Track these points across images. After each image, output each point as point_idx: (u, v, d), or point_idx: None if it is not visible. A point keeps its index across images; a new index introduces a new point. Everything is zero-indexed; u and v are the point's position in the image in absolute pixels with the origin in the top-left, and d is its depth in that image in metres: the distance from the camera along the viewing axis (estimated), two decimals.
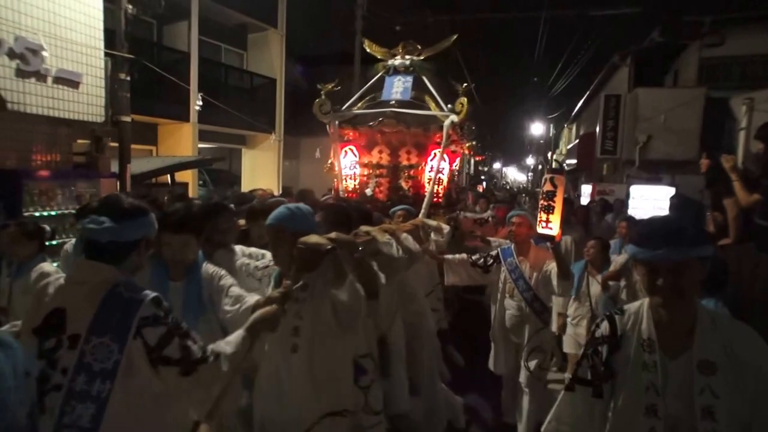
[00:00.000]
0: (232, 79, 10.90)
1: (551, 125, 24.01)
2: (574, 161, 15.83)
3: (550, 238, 2.65)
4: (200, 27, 9.49)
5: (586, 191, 11.65)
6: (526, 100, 25.72)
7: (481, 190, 12.36)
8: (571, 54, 15.71)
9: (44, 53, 4.19)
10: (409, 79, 4.01)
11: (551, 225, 2.64)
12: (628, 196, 9.48)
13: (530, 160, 35.38)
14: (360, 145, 4.07)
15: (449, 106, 3.74)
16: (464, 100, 3.66)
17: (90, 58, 4.81)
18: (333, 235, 1.62)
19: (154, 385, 1.17)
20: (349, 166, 4.12)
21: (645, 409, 1.15)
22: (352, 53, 10.54)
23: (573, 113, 18.22)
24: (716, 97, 9.20)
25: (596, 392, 1.22)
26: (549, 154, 23.74)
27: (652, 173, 10.07)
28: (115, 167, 5.50)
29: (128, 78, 5.17)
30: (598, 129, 11.45)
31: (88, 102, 4.87)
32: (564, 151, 20.51)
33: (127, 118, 5.30)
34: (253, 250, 2.27)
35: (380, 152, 4.05)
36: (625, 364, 1.20)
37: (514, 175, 45.71)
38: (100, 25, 4.88)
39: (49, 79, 4.43)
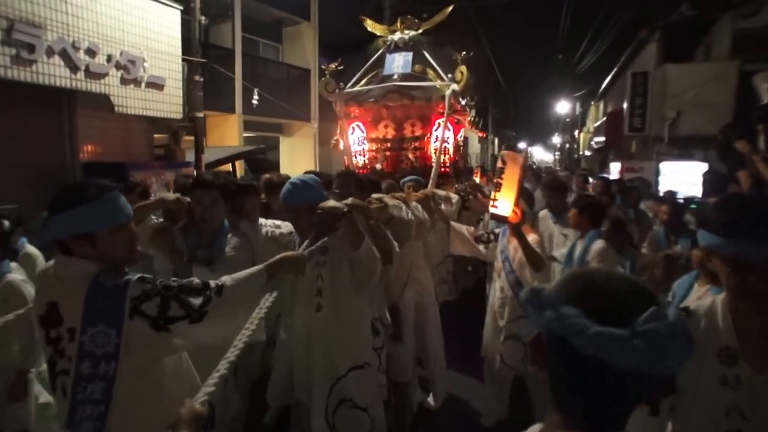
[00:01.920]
0: (270, 71, 11.66)
1: (578, 103, 23.85)
2: (602, 139, 15.96)
3: (502, 218, 2.50)
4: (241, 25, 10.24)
5: (614, 169, 11.94)
6: (552, 77, 25.56)
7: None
8: (597, 30, 15.65)
9: (145, 64, 5.02)
10: (409, 53, 4.11)
11: (498, 204, 2.51)
12: (657, 172, 9.72)
13: (557, 139, 35.07)
14: (366, 120, 4.14)
15: (449, 75, 3.82)
16: (463, 68, 3.70)
17: (171, 64, 5.64)
18: (349, 200, 1.71)
19: (160, 355, 1.24)
20: (357, 142, 4.21)
21: None
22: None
23: (600, 90, 18.17)
24: (750, 70, 8.79)
25: (653, 410, 0.96)
26: (576, 132, 23.67)
27: (682, 149, 10.20)
28: (190, 157, 6.38)
29: (201, 79, 5.96)
30: (625, 106, 11.66)
31: (170, 102, 5.72)
32: (591, 129, 20.48)
33: (201, 114, 6.12)
34: (271, 221, 2.34)
35: (386, 126, 4.13)
36: (694, 379, 1.00)
37: (540, 154, 45.26)
38: (179, 35, 5.69)
39: (143, 84, 5.29)
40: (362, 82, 4.20)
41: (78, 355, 1.13)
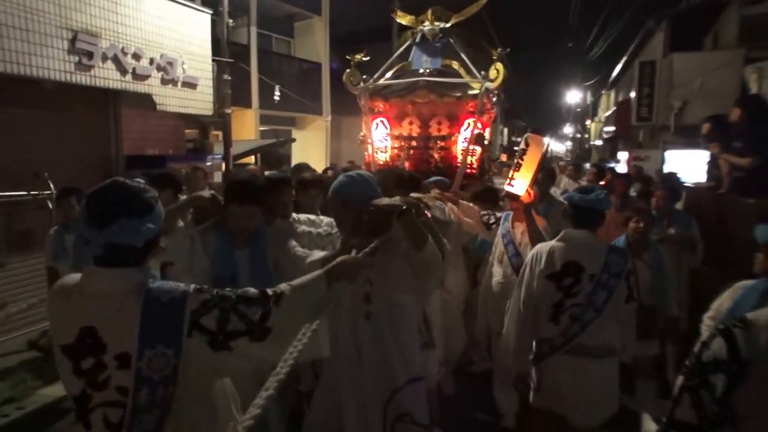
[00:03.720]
0: (282, 65, 12.28)
1: (589, 92, 24.16)
2: (612, 128, 16.37)
3: (514, 197, 2.59)
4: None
5: (623, 158, 12.44)
6: (562, 66, 25.86)
7: (505, 160, 13.24)
8: (607, 18, 15.98)
9: (184, 66, 5.66)
10: (439, 46, 3.96)
11: (514, 183, 2.58)
12: (663, 161, 10.21)
13: (568, 129, 35.28)
14: (390, 116, 3.99)
15: (482, 72, 3.66)
16: (499, 66, 3.55)
17: (202, 64, 6.29)
18: (397, 198, 1.62)
19: (214, 374, 1.15)
20: (380, 139, 4.06)
21: None
22: (390, 31, 11.69)
23: (611, 79, 18.53)
24: (756, 57, 9.07)
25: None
26: (587, 122, 23.99)
27: (687, 138, 10.62)
28: (217, 149, 7.04)
29: (229, 78, 6.61)
30: (633, 95, 12.09)
31: (202, 99, 6.38)
32: (602, 119, 20.84)
33: (229, 110, 6.77)
34: (304, 216, 2.33)
35: (411, 124, 3.96)
36: (759, 405, 0.86)
37: (551, 145, 45.34)
38: (209, 38, 6.34)
39: (179, 84, 5.94)
40: (387, 75, 4.05)
41: (136, 384, 1.02)
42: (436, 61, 3.92)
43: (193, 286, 1.09)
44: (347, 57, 3.94)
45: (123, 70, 5.16)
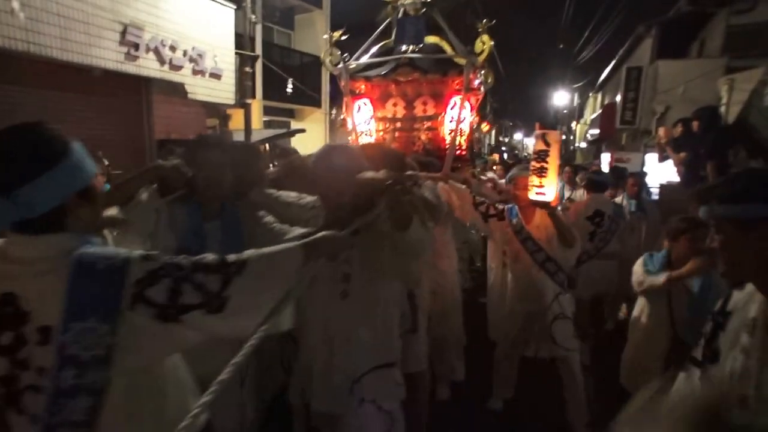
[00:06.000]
0: (283, 57, 12.70)
1: (575, 95, 25.20)
2: (597, 131, 17.33)
3: (545, 204, 2.46)
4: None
5: (605, 159, 13.39)
6: (551, 68, 26.87)
7: (496, 158, 13.93)
8: (598, 22, 16.83)
9: (216, 58, 6.14)
10: (422, 20, 3.81)
11: (545, 190, 2.43)
12: (643, 163, 11.14)
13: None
14: (373, 98, 3.86)
15: (468, 47, 3.56)
16: (485, 38, 3.45)
17: (227, 57, 6.76)
18: (382, 173, 1.51)
19: (163, 353, 1.03)
20: (364, 122, 3.91)
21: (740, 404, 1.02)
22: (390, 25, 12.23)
23: (598, 83, 19.49)
24: (739, 66, 9.10)
25: (704, 377, 1.14)
26: (573, 124, 25.06)
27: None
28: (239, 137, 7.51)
29: (251, 70, 7.10)
30: (618, 99, 12.96)
31: (225, 89, 6.86)
32: (588, 121, 21.85)
33: (250, 101, 7.26)
34: (286, 192, 2.22)
35: (395, 105, 3.84)
36: (729, 348, 1.08)
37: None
38: (233, 31, 6.82)
39: (207, 75, 6.41)
40: (368, 55, 3.90)
41: (57, 363, 0.89)
42: (419, 36, 3.77)
43: (138, 252, 0.97)
44: (324, 37, 3.81)
45: (162, 61, 5.63)
